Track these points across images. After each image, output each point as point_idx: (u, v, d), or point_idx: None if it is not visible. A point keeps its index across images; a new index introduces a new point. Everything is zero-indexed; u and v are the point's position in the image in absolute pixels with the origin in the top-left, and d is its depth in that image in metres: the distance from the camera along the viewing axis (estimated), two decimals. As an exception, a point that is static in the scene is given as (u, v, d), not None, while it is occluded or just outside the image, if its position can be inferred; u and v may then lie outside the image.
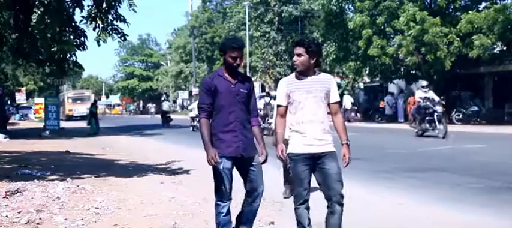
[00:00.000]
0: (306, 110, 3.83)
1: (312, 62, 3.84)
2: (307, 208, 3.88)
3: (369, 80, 32.60)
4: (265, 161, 4.04)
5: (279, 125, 4.00)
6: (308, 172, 3.84)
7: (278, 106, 3.99)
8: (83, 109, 42.21)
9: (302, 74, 3.87)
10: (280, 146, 3.90)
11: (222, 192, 3.94)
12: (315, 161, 3.82)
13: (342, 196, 3.78)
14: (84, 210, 5.56)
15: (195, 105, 21.24)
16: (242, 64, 4.16)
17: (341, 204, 3.78)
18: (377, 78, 29.98)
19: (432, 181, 7.98)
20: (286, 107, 3.93)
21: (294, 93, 3.86)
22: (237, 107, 3.96)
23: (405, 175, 8.50)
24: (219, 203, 3.98)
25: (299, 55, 3.83)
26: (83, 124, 30.95)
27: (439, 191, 7.15)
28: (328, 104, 3.91)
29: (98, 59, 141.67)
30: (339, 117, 3.94)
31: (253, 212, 4.07)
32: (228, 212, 4.00)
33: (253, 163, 4.00)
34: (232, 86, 3.98)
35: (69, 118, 43.83)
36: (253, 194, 4.01)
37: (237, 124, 3.95)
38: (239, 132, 3.95)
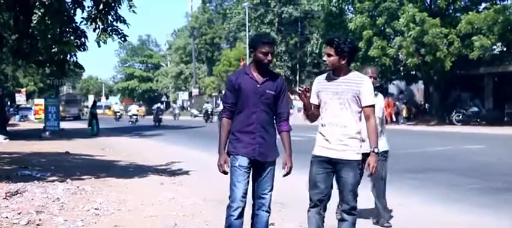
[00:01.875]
0: (328, 111, 3.65)
1: (343, 62, 3.61)
2: (320, 213, 3.70)
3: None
4: (288, 173, 3.80)
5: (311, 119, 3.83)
6: (325, 176, 3.65)
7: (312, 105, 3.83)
8: (74, 110, 46.63)
9: (334, 73, 3.68)
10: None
11: (233, 193, 3.68)
12: (334, 167, 3.64)
13: (352, 207, 3.63)
14: (84, 211, 5.56)
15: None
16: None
17: (352, 214, 3.65)
18: (377, 79, 29.97)
19: (432, 181, 7.99)
20: (318, 106, 3.73)
21: (322, 93, 3.70)
22: (259, 108, 3.70)
23: (405, 175, 8.50)
24: (231, 204, 3.70)
25: (329, 55, 3.64)
26: (80, 125, 31.03)
27: (438, 191, 7.16)
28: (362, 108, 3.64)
29: (98, 59, 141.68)
30: (370, 122, 3.63)
31: (261, 221, 3.79)
32: (240, 216, 3.69)
33: (267, 168, 3.77)
34: (258, 85, 3.70)
35: (63, 118, 44.39)
36: (258, 201, 3.79)
37: (257, 126, 3.70)
38: (258, 135, 3.70)
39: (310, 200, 3.73)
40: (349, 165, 3.61)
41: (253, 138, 3.70)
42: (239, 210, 3.67)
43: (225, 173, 3.67)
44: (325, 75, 3.78)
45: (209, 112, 35.54)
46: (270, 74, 3.79)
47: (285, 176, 3.80)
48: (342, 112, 3.61)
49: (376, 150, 3.60)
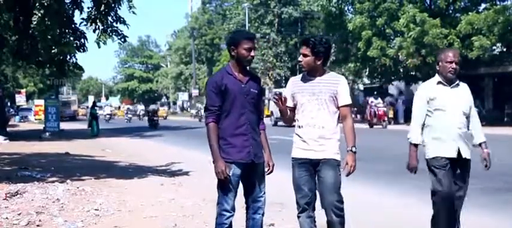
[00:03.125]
0: (306, 113, 3.61)
1: (319, 63, 3.58)
2: (310, 216, 3.66)
3: (368, 82, 32.62)
4: (271, 172, 3.75)
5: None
6: (308, 178, 3.61)
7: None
8: (70, 111, 49.16)
9: (309, 74, 3.64)
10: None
11: (226, 201, 3.57)
12: (314, 167, 3.60)
13: (336, 207, 3.54)
14: (84, 211, 5.57)
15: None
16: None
17: (338, 215, 3.55)
18: (377, 80, 30.01)
19: (432, 182, 7.97)
20: (293, 108, 3.70)
21: (298, 94, 3.65)
22: (247, 109, 3.59)
23: (405, 176, 8.46)
24: (224, 213, 3.57)
25: (304, 55, 3.58)
26: (79, 125, 31.04)
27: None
28: (338, 107, 3.61)
29: (98, 60, 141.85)
30: (347, 122, 3.61)
31: (258, 225, 3.71)
32: (231, 223, 3.63)
33: (260, 170, 3.68)
34: (243, 85, 3.59)
35: (61, 118, 45.53)
36: (254, 204, 3.68)
37: (248, 127, 3.59)
38: (250, 136, 3.59)
39: (298, 204, 3.68)
40: (328, 164, 3.56)
41: (246, 140, 3.58)
42: (232, 218, 3.62)
43: (226, 178, 3.51)
44: (299, 76, 3.75)
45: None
46: (249, 73, 3.71)
47: (268, 174, 3.74)
48: (320, 113, 3.58)
49: (353, 149, 3.57)
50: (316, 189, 3.65)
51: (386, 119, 23.29)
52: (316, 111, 3.58)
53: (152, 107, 32.22)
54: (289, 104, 3.72)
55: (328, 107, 3.59)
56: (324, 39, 3.64)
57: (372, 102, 23.91)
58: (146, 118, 33.52)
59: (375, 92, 25.23)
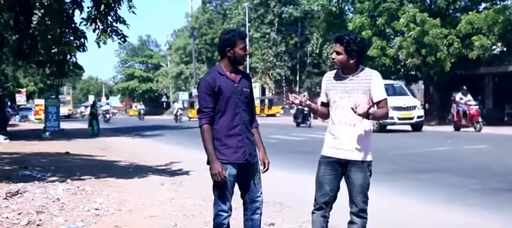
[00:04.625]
0: (338, 111, 3.55)
1: (352, 61, 3.50)
2: (324, 216, 3.61)
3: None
4: (267, 170, 3.73)
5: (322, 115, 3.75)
6: (332, 178, 3.56)
7: (321, 103, 3.75)
8: (64, 110, 50.99)
9: (342, 72, 3.57)
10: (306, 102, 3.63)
11: (225, 202, 3.57)
12: (343, 167, 3.55)
13: (361, 210, 3.53)
14: (85, 211, 5.57)
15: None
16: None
17: (361, 217, 3.54)
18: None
19: (432, 181, 7.97)
20: (327, 104, 3.65)
21: (331, 91, 3.60)
22: (241, 109, 3.58)
23: (405, 176, 8.50)
24: (221, 213, 3.58)
25: (338, 53, 3.50)
26: (78, 125, 31.07)
27: (439, 191, 7.15)
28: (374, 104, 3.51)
29: (98, 60, 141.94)
30: (383, 109, 3.54)
31: (256, 225, 3.70)
32: (229, 225, 3.65)
33: (255, 169, 3.66)
34: (236, 84, 3.57)
35: None
36: (252, 205, 3.67)
37: (242, 127, 3.57)
38: (244, 136, 3.58)
39: (315, 201, 3.63)
40: (358, 166, 3.52)
41: (240, 140, 3.56)
42: (229, 218, 3.62)
43: (224, 180, 3.50)
44: (333, 73, 3.67)
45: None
46: (241, 71, 3.68)
47: (264, 172, 3.73)
48: (352, 111, 3.47)
49: (371, 111, 3.41)
50: (338, 191, 3.63)
51: (480, 120, 18.67)
52: (348, 109, 3.46)
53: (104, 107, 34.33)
54: (323, 99, 3.69)
55: (361, 105, 3.46)
56: (358, 38, 3.54)
57: (461, 98, 19.41)
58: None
59: (464, 87, 19.88)
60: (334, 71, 3.67)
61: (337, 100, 3.56)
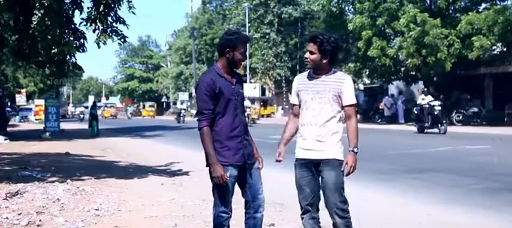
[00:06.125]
0: (309, 111, 3.54)
1: (325, 61, 3.50)
2: (313, 217, 3.60)
3: (369, 82, 32.63)
4: (262, 166, 3.76)
5: (287, 126, 3.74)
6: (310, 179, 3.56)
7: (292, 105, 3.77)
8: (61, 111, 51.11)
9: (314, 72, 3.57)
10: (280, 148, 3.68)
11: (226, 203, 3.57)
12: (316, 168, 3.54)
13: (339, 208, 3.48)
14: (85, 211, 5.57)
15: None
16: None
17: (342, 217, 3.49)
18: (377, 80, 30.02)
19: (432, 182, 7.98)
20: (299, 106, 3.65)
21: (302, 92, 3.59)
22: (239, 110, 3.60)
23: (405, 176, 8.50)
24: (222, 214, 3.59)
25: (311, 52, 3.51)
26: (78, 125, 31.07)
27: (439, 191, 7.15)
28: (342, 107, 3.54)
29: (98, 60, 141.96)
30: (351, 121, 3.53)
31: (259, 224, 3.70)
32: (229, 226, 3.67)
33: (254, 168, 3.68)
34: (233, 86, 3.58)
35: None
36: (254, 203, 3.67)
37: (241, 128, 3.58)
38: (243, 137, 3.59)
39: (300, 205, 3.63)
40: (329, 164, 3.50)
41: (239, 142, 3.57)
42: (229, 219, 3.64)
43: (226, 182, 3.50)
44: (305, 73, 3.68)
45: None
46: (235, 73, 3.69)
47: (260, 169, 3.75)
48: (322, 112, 3.51)
49: (355, 150, 3.49)
50: (320, 190, 3.61)
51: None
52: (318, 110, 3.51)
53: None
54: (295, 101, 3.69)
55: (332, 106, 3.52)
56: (332, 37, 3.53)
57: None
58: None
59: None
60: (306, 72, 3.68)
61: (308, 100, 3.57)
